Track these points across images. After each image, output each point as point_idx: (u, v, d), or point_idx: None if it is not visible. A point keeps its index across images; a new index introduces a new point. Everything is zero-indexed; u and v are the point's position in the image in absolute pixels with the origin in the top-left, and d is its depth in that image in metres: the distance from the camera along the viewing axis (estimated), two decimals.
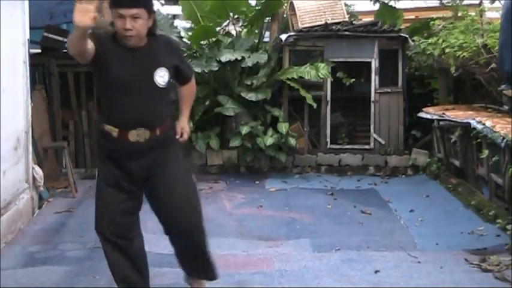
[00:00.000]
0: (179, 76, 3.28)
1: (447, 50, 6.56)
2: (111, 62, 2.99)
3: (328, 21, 7.57)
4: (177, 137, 3.30)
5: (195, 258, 3.36)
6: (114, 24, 3.00)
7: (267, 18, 8.14)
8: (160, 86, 3.05)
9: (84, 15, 2.60)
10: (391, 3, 8.43)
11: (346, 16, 7.83)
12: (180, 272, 3.57)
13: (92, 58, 2.96)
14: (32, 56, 5.74)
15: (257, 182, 6.99)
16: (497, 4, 6.91)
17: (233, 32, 8.28)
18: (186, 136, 3.36)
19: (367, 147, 7.57)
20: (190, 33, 7.94)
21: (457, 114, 6.28)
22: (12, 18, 5.00)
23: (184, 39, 8.04)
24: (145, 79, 3.02)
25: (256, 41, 8.05)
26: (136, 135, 3.04)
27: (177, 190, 3.17)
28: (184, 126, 3.36)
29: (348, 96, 7.75)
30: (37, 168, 5.58)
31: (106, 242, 3.21)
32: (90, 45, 2.90)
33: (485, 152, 5.32)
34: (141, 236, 3.32)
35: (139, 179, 3.14)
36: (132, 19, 2.89)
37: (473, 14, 7.09)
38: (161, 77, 3.04)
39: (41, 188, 5.67)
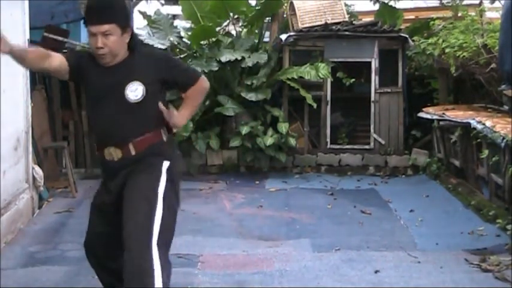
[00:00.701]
0: (177, 86, 3.08)
1: (447, 50, 6.56)
2: (88, 79, 2.93)
3: (328, 21, 7.57)
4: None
5: None
6: None
7: (267, 18, 8.14)
8: (131, 101, 2.83)
9: None
10: (391, 3, 8.43)
11: (346, 16, 7.84)
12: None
13: (69, 76, 2.93)
14: None
15: (257, 182, 6.99)
16: (497, 4, 6.91)
17: (233, 32, 8.28)
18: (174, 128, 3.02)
19: (367, 147, 7.57)
20: (190, 33, 7.94)
21: (457, 114, 6.28)
22: (12, 18, 5.00)
23: (184, 39, 8.04)
24: (114, 95, 2.84)
25: (256, 41, 8.05)
26: (109, 153, 2.90)
27: (127, 213, 2.79)
28: (176, 122, 2.93)
29: (348, 96, 7.76)
30: (37, 168, 5.58)
31: (89, 257, 3.17)
32: (58, 63, 2.86)
33: (485, 152, 5.32)
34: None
35: (117, 197, 2.92)
36: (104, 36, 2.76)
37: (473, 14, 7.08)
38: (133, 91, 2.83)
39: (41, 188, 5.67)
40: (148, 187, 2.83)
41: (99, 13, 2.77)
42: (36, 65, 2.91)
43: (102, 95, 2.88)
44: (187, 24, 8.72)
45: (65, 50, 7.52)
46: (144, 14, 8.09)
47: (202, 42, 7.69)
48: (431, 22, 7.81)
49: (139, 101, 2.84)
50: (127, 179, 2.88)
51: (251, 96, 7.29)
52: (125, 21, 2.83)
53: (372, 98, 7.52)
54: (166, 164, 2.91)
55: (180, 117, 2.97)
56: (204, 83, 3.04)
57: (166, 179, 2.87)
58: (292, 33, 7.51)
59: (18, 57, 2.81)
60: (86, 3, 2.90)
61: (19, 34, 5.25)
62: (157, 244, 2.69)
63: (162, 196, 2.82)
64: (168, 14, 8.29)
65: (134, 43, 2.93)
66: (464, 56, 6.29)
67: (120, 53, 2.85)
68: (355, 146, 7.60)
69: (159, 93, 2.92)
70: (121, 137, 2.87)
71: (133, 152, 2.87)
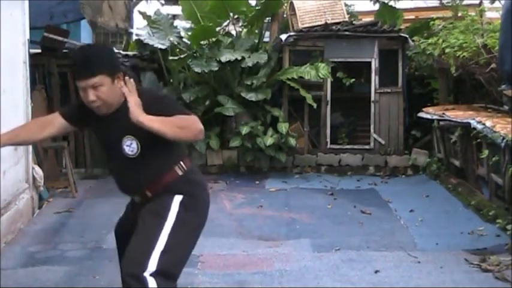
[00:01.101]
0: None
1: (447, 50, 6.56)
2: (92, 127, 2.93)
3: (328, 21, 7.57)
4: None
5: None
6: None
7: (267, 18, 8.15)
8: (131, 156, 2.73)
9: None
10: (391, 3, 8.44)
11: (346, 16, 7.84)
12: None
13: (76, 128, 3.01)
14: (32, 56, 5.74)
15: (257, 182, 6.99)
16: (497, 4, 6.91)
17: (233, 32, 8.28)
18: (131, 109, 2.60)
19: (367, 147, 7.58)
20: (190, 33, 7.94)
21: (457, 114, 6.28)
22: (12, 18, 5.00)
23: (184, 39, 8.04)
24: (115, 149, 2.77)
25: (256, 41, 8.05)
26: (131, 197, 2.94)
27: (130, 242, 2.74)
28: (134, 113, 2.56)
29: (348, 96, 7.76)
30: (37, 168, 5.58)
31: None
32: (57, 126, 2.88)
33: (485, 152, 5.32)
34: None
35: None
36: (94, 89, 2.64)
37: (473, 14, 7.08)
38: (128, 146, 2.73)
39: (41, 188, 5.67)
40: (152, 221, 2.73)
41: (85, 67, 2.66)
42: (38, 138, 2.93)
43: (107, 146, 2.88)
44: (187, 24, 8.73)
45: (65, 50, 7.57)
46: (144, 14, 8.09)
47: (202, 42, 7.69)
48: (431, 22, 7.81)
49: (137, 155, 2.74)
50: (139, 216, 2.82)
51: (251, 96, 7.30)
52: (113, 69, 2.70)
53: (372, 98, 7.52)
54: (178, 198, 2.77)
55: (145, 116, 2.57)
56: (197, 122, 2.64)
57: (178, 211, 2.74)
58: (292, 33, 7.52)
59: (17, 144, 2.81)
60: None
61: (19, 34, 5.25)
62: (156, 271, 2.56)
63: (171, 225, 2.70)
64: (168, 14, 8.29)
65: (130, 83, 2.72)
66: (464, 56, 6.28)
67: (114, 101, 2.73)
68: (355, 146, 7.60)
69: (157, 138, 2.62)
70: (134, 187, 2.84)
71: (150, 195, 2.80)
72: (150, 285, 2.51)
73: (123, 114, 2.63)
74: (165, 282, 2.56)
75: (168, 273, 2.60)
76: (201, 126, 2.64)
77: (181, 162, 2.82)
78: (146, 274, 2.53)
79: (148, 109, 2.60)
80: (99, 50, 2.79)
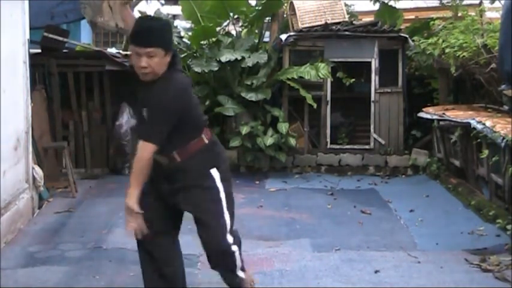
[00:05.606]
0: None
1: (447, 50, 6.55)
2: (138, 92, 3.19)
3: (328, 21, 7.57)
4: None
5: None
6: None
7: (267, 18, 8.15)
8: None
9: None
10: (391, 3, 8.43)
11: (346, 16, 7.84)
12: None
13: None
14: (32, 56, 5.74)
15: (257, 182, 6.99)
16: (497, 4, 6.90)
17: (233, 32, 8.28)
18: (129, 226, 3.05)
19: (367, 147, 7.58)
20: (190, 33, 7.94)
21: (457, 114, 6.27)
22: (12, 18, 5.00)
23: (184, 39, 8.04)
24: (141, 115, 3.10)
25: (256, 41, 8.05)
26: (157, 159, 3.10)
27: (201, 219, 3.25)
28: (126, 204, 3.02)
29: (348, 96, 7.76)
30: (37, 168, 5.58)
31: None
32: None
33: (485, 152, 5.32)
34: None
35: (166, 200, 3.25)
36: (148, 57, 2.95)
37: (473, 14, 7.08)
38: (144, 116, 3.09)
39: (41, 188, 5.66)
40: (214, 205, 3.18)
41: (147, 36, 2.95)
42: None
43: (137, 109, 3.20)
44: (187, 24, 8.73)
45: (65, 50, 7.57)
46: (144, 14, 8.08)
47: (202, 42, 7.69)
48: (431, 22, 7.81)
49: None
50: (185, 198, 3.16)
51: (251, 96, 7.29)
52: (168, 45, 3.03)
53: (372, 98, 7.52)
54: (217, 176, 3.18)
55: (128, 199, 3.02)
56: (142, 149, 2.99)
57: (224, 187, 3.19)
58: (292, 33, 7.52)
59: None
60: (133, 27, 3.04)
61: (19, 34, 5.25)
62: (233, 240, 3.24)
63: (225, 199, 3.19)
64: (168, 14, 8.30)
65: (174, 63, 3.09)
66: (464, 56, 6.28)
67: (159, 73, 3.02)
68: (355, 146, 7.61)
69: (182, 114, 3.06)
70: (164, 150, 3.06)
71: (178, 159, 3.11)
72: (234, 252, 3.27)
73: (153, 88, 3.00)
74: (238, 246, 3.30)
75: (237, 238, 3.29)
76: (146, 154, 2.98)
77: (205, 132, 3.19)
78: (231, 247, 3.23)
79: (153, 95, 2.98)
80: (162, 24, 3.08)
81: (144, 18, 3.27)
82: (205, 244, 3.23)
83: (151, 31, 2.97)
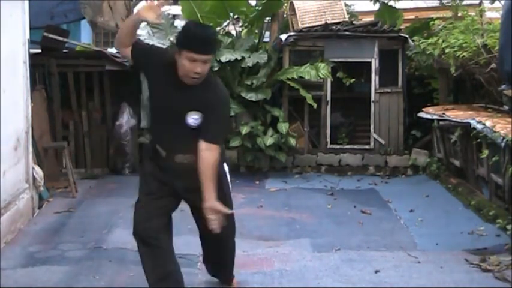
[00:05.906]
0: (201, 128, 3.19)
1: (447, 50, 6.55)
2: (159, 85, 3.22)
3: (328, 21, 7.57)
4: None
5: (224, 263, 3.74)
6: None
7: (267, 18, 8.14)
8: (190, 126, 3.16)
9: (148, 12, 3.04)
10: (391, 3, 8.43)
11: (346, 16, 7.84)
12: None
13: (133, 60, 3.25)
14: (32, 56, 5.73)
15: (257, 182, 6.99)
16: (497, 4, 6.90)
17: (233, 32, 8.28)
18: (214, 224, 3.13)
19: (367, 147, 7.58)
20: None
21: (457, 114, 6.27)
22: (12, 18, 4.99)
23: None
24: (177, 116, 3.15)
25: (256, 41, 8.05)
26: (176, 157, 3.25)
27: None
28: (210, 206, 3.11)
29: (348, 96, 7.76)
30: (37, 168, 5.58)
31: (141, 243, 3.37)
32: (128, 51, 3.20)
33: (485, 152, 5.32)
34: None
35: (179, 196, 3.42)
36: (203, 63, 3.06)
37: (473, 14, 7.08)
38: (194, 119, 3.15)
39: (41, 188, 5.66)
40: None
41: (209, 45, 3.09)
42: (129, 36, 3.22)
43: (166, 109, 3.22)
44: None
45: (65, 50, 7.57)
46: None
47: None
48: (431, 22, 7.81)
49: (197, 127, 3.16)
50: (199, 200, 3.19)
51: (251, 96, 7.29)
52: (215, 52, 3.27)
53: (372, 98, 7.52)
54: (226, 168, 3.44)
55: (210, 202, 3.11)
56: (211, 154, 3.11)
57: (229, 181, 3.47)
58: (292, 33, 7.51)
59: (135, 25, 3.19)
60: (187, 33, 3.12)
61: (19, 34, 5.25)
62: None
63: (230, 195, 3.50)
64: (168, 14, 8.28)
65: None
66: (464, 56, 6.28)
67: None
68: (355, 146, 7.61)
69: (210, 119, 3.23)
70: (182, 148, 3.21)
71: (194, 157, 3.16)
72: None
73: (200, 91, 3.12)
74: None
75: None
76: (215, 158, 3.13)
77: None
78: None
79: (208, 109, 3.11)
80: (215, 33, 3.36)
81: (205, 26, 3.36)
82: (215, 240, 3.39)
83: (212, 40, 3.14)
